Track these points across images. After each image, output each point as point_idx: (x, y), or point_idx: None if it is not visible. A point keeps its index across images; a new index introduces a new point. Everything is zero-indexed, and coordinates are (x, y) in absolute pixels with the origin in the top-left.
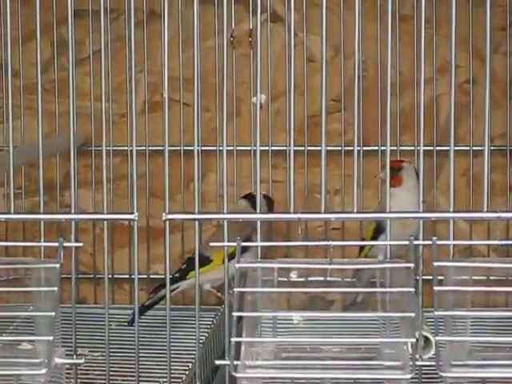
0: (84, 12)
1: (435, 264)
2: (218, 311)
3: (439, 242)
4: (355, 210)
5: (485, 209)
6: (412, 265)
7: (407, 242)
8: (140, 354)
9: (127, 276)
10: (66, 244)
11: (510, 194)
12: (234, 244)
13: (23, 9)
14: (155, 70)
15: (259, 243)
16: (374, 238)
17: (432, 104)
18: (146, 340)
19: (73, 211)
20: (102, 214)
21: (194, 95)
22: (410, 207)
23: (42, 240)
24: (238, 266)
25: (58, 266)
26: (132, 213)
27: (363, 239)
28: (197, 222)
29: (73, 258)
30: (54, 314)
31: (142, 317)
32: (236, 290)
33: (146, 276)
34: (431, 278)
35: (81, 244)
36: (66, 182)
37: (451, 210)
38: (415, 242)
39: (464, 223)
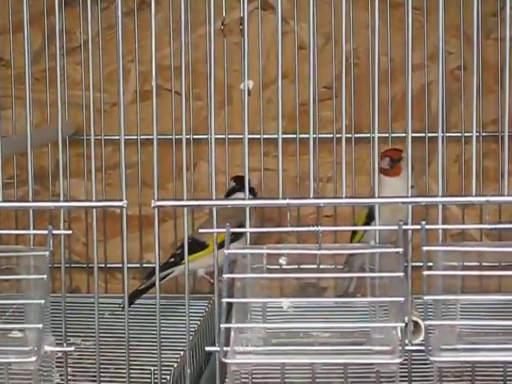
0: (75, 1)
1: (424, 248)
2: (211, 299)
3: (428, 227)
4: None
5: (474, 193)
6: (401, 249)
7: (396, 227)
8: (132, 343)
9: (120, 265)
10: (55, 232)
11: (501, 180)
12: (224, 230)
13: None
14: (146, 59)
15: (248, 229)
16: (366, 223)
17: (424, 91)
18: (138, 328)
19: (62, 199)
20: (92, 201)
21: (182, 83)
22: (402, 193)
23: (32, 228)
24: (226, 252)
25: (47, 253)
26: (121, 200)
27: (355, 225)
28: (186, 209)
29: (62, 244)
30: (43, 301)
31: (135, 305)
32: (225, 276)
33: (138, 265)
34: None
35: (70, 232)
36: (57, 170)
37: (440, 194)
38: (404, 227)
39: (456, 208)
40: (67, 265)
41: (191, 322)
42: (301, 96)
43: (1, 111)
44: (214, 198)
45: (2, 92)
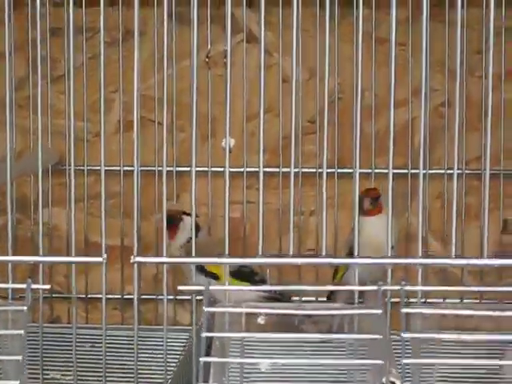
0: (59, 30)
1: (403, 311)
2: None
3: (408, 288)
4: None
5: (453, 253)
6: (380, 311)
7: (375, 288)
8: (111, 377)
9: (100, 296)
10: (33, 286)
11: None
12: (203, 288)
13: None
14: (130, 89)
15: (227, 287)
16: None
17: (407, 126)
18: (118, 362)
19: (41, 253)
20: (72, 257)
21: (164, 114)
22: (383, 232)
23: (10, 282)
24: (206, 309)
25: (25, 308)
26: (100, 256)
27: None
28: (165, 266)
29: (40, 302)
30: (20, 357)
31: (115, 336)
32: (204, 334)
33: (119, 296)
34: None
35: (48, 286)
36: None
37: (419, 255)
38: (383, 288)
39: (438, 245)
40: (48, 295)
41: (171, 355)
42: (284, 129)
43: None
44: (193, 254)
45: None
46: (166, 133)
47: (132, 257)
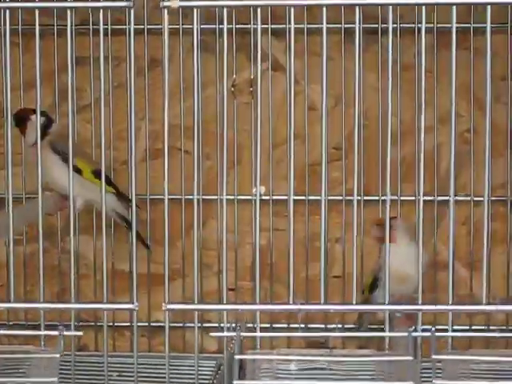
0: (85, 59)
1: (434, 357)
2: (220, 359)
3: (438, 334)
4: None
5: (484, 300)
6: (411, 358)
7: (406, 334)
8: None
9: (128, 324)
10: (66, 333)
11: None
12: (234, 334)
13: (24, 56)
14: (156, 117)
15: (259, 333)
16: (372, 289)
17: (433, 153)
18: None
19: (73, 300)
20: (102, 303)
21: (194, 143)
22: (407, 262)
23: (43, 329)
24: (237, 357)
25: (58, 356)
26: (132, 302)
27: (363, 291)
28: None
29: (73, 350)
30: None
31: (143, 364)
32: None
33: (146, 324)
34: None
35: (80, 333)
36: (67, 227)
37: (450, 302)
38: (413, 334)
39: (464, 271)
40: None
41: (200, 381)
42: (310, 157)
43: (10, 168)
44: (224, 302)
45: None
46: (195, 162)
47: (163, 304)
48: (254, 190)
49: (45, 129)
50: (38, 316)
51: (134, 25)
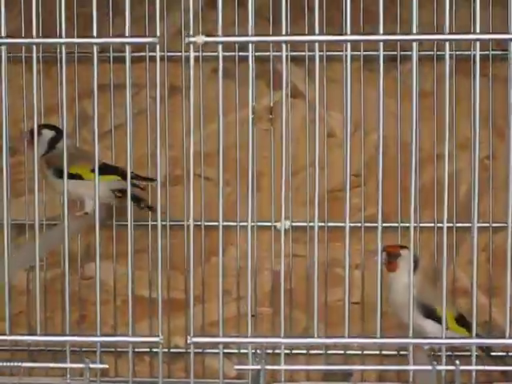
0: (105, 86)
1: None
2: None
3: (462, 368)
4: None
5: (507, 334)
6: None
7: (430, 368)
8: None
9: (148, 349)
10: (92, 366)
11: None
12: (259, 367)
13: (45, 83)
14: (176, 144)
15: (283, 366)
16: None
17: (452, 179)
18: None
19: (98, 333)
20: (127, 336)
21: (220, 170)
22: (405, 290)
23: (68, 361)
24: None
25: None
26: (157, 335)
27: None
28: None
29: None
30: None
31: None
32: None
33: (166, 350)
34: None
35: (106, 366)
36: (88, 254)
37: (473, 337)
38: (438, 368)
39: (484, 298)
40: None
41: None
42: (329, 183)
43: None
44: (249, 334)
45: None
46: (221, 188)
47: (188, 337)
48: (277, 224)
49: (53, 143)
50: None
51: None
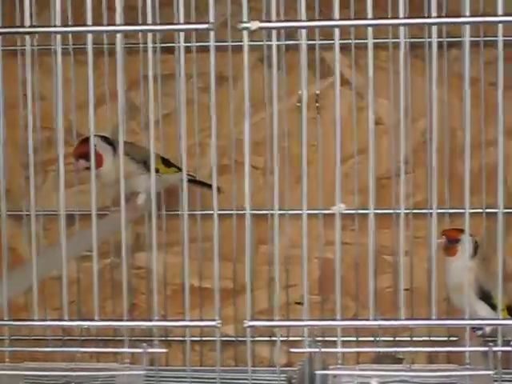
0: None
1: None
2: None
3: None
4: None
5: None
6: (491, 372)
7: (487, 349)
8: None
9: (198, 338)
10: (150, 350)
11: None
12: (316, 350)
13: (94, 73)
14: (223, 133)
15: (340, 349)
16: None
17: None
18: None
19: (155, 317)
20: (185, 320)
21: (274, 158)
22: (464, 274)
23: (126, 346)
24: (318, 373)
25: (142, 373)
26: (214, 319)
27: None
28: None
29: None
30: None
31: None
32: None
33: (199, 338)
34: None
35: (165, 350)
36: (137, 243)
37: None
38: (494, 349)
39: None
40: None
41: None
42: (376, 171)
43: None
44: (305, 318)
45: None
46: (276, 177)
47: (245, 321)
48: (334, 208)
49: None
50: (109, 331)
51: (202, 42)
